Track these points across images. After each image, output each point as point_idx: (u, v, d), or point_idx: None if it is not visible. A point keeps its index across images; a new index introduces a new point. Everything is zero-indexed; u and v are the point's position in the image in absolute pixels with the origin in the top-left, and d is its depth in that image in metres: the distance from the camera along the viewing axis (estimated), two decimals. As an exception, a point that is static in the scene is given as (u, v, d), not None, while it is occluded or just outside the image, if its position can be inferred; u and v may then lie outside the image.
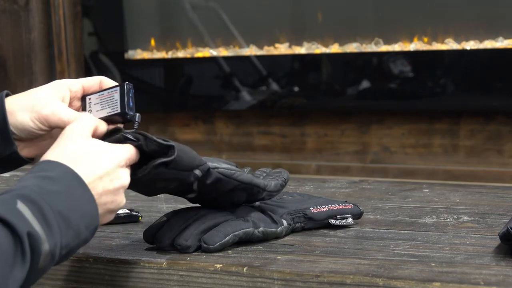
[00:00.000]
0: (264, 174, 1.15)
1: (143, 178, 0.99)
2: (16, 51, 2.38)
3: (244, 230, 1.05)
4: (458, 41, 1.97)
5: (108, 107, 1.05)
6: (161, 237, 1.05)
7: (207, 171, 1.03)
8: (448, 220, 1.19)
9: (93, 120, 0.99)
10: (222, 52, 2.20)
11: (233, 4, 2.24)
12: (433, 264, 0.94)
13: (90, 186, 0.89)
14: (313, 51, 2.10)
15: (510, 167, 1.95)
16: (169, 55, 2.26)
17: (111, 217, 0.95)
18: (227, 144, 2.23)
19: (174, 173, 1.00)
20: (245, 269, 0.96)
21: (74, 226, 0.85)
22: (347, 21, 2.10)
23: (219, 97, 2.23)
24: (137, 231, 1.17)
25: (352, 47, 2.06)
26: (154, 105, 2.32)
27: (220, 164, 1.05)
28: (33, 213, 0.82)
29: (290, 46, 2.14)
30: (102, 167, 0.92)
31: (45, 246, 0.82)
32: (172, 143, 0.99)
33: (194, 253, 1.03)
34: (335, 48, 2.08)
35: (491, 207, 1.28)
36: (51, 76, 2.40)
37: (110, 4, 2.32)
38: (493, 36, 1.94)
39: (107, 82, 1.08)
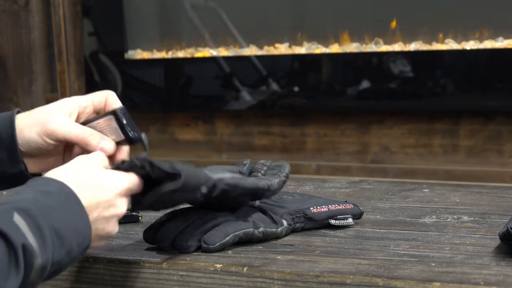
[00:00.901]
0: (265, 168, 1.15)
1: (150, 202, 0.99)
2: (16, 51, 2.38)
3: (244, 230, 1.05)
4: (458, 41, 1.97)
5: (112, 135, 1.04)
6: (161, 237, 1.05)
7: (213, 186, 1.02)
8: (448, 220, 1.19)
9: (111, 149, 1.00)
10: (222, 52, 2.20)
11: (233, 4, 2.24)
12: (433, 264, 0.94)
13: (86, 209, 0.89)
14: (313, 51, 2.10)
15: (510, 167, 1.95)
16: (169, 55, 2.26)
17: (100, 244, 0.95)
18: (227, 144, 2.23)
19: (180, 195, 1.00)
20: (245, 269, 0.96)
21: (67, 243, 0.86)
22: (347, 21, 2.10)
23: (219, 97, 2.23)
24: (137, 231, 1.17)
25: (352, 47, 2.06)
26: (154, 105, 2.32)
27: (224, 174, 1.05)
28: (29, 226, 0.82)
29: (290, 46, 2.14)
30: (101, 193, 0.92)
31: (38, 260, 0.82)
32: (178, 169, 0.98)
33: (194, 253, 1.03)
34: (335, 48, 2.08)
35: (491, 207, 1.28)
36: (51, 76, 2.40)
37: (110, 4, 2.32)
38: (493, 36, 1.94)
39: (113, 99, 1.06)
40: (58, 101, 1.05)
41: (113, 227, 0.94)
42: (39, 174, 1.07)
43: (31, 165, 1.05)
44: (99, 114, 1.06)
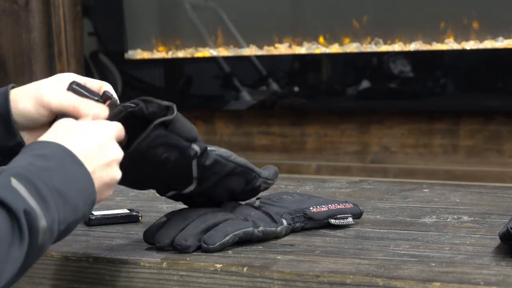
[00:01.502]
0: None
1: (142, 145, 0.99)
2: (16, 51, 2.38)
3: (244, 229, 1.05)
4: (458, 41, 1.97)
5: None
6: (161, 237, 1.05)
7: (205, 151, 1.04)
8: (448, 220, 1.19)
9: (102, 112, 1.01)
10: (222, 52, 2.20)
11: (233, 4, 2.24)
12: (433, 264, 0.94)
13: (83, 161, 0.89)
14: (313, 51, 2.10)
15: (510, 167, 1.95)
16: (169, 55, 2.26)
17: (109, 193, 0.95)
18: (227, 144, 2.23)
19: (174, 138, 1.01)
20: (245, 269, 0.96)
21: (71, 201, 0.85)
22: (347, 21, 2.10)
23: (219, 97, 2.23)
24: (137, 231, 1.17)
25: (352, 47, 2.06)
26: (154, 105, 2.32)
27: (217, 148, 1.08)
28: (28, 190, 0.81)
29: (290, 46, 2.14)
30: (94, 141, 0.92)
31: (43, 223, 0.81)
32: (171, 104, 1.01)
33: (194, 253, 1.03)
34: (335, 48, 2.08)
35: (491, 207, 1.28)
36: (51, 76, 2.40)
37: (110, 4, 2.32)
38: (493, 36, 1.94)
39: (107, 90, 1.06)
40: (53, 76, 1.06)
41: (116, 172, 0.94)
42: None
43: (27, 139, 1.06)
44: None
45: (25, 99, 1.03)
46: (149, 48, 2.29)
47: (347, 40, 2.08)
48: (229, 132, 2.23)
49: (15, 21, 2.38)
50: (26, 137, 1.06)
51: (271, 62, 2.16)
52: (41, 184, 0.83)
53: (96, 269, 1.04)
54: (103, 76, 2.32)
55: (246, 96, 2.18)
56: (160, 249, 1.05)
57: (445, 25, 1.98)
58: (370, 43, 2.05)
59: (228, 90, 2.21)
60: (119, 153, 0.95)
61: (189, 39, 2.26)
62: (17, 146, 1.04)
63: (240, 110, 2.20)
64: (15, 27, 2.38)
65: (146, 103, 1.00)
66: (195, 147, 1.03)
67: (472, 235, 1.09)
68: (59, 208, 0.84)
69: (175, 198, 1.10)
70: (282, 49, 2.15)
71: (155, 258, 1.02)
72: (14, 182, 0.81)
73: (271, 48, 2.16)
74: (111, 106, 1.02)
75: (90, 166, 0.90)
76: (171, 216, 1.08)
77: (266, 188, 1.14)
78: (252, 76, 2.17)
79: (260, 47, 2.17)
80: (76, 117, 1.01)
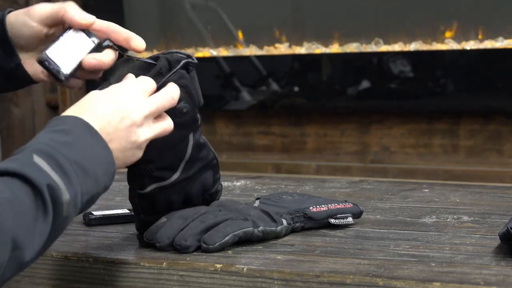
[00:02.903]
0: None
1: (169, 81, 1.02)
2: (16, 51, 2.38)
3: (244, 229, 1.05)
4: (458, 41, 1.97)
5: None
6: (161, 237, 1.05)
7: (201, 126, 1.09)
8: (448, 220, 1.19)
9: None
10: (222, 52, 2.20)
11: (233, 4, 2.24)
12: (433, 264, 0.94)
13: (101, 132, 0.90)
14: (313, 51, 2.10)
15: (510, 167, 1.95)
16: (169, 55, 2.26)
17: (137, 156, 0.96)
18: (227, 144, 2.23)
19: (192, 87, 1.05)
20: (245, 269, 0.96)
21: (92, 174, 0.87)
22: (347, 21, 2.10)
23: (219, 97, 2.23)
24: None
25: (352, 47, 2.06)
26: (154, 105, 2.32)
27: None
28: (50, 165, 0.83)
29: (290, 46, 2.14)
30: (112, 108, 0.93)
31: (66, 196, 0.83)
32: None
33: (194, 253, 1.03)
34: (335, 48, 2.08)
35: (491, 207, 1.28)
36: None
37: (110, 4, 2.32)
38: (493, 36, 1.94)
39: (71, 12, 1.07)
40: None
41: (139, 134, 0.95)
42: (35, 82, 1.10)
43: (27, 66, 1.07)
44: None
45: (19, 18, 1.05)
46: (149, 48, 2.29)
47: (347, 40, 2.08)
48: (229, 132, 2.23)
49: (15, 21, 2.37)
50: (25, 58, 1.07)
51: (271, 62, 2.16)
52: (62, 158, 0.85)
53: (96, 269, 1.04)
54: (103, 76, 2.32)
55: (246, 96, 2.18)
56: (160, 249, 1.05)
57: (445, 25, 1.98)
58: (370, 43, 2.05)
59: (228, 90, 2.21)
60: (136, 115, 0.95)
61: (189, 39, 2.26)
62: (17, 68, 1.07)
63: (240, 110, 2.20)
64: (15, 27, 2.37)
65: (168, 54, 1.04)
66: (184, 107, 1.06)
67: (472, 235, 1.09)
68: (80, 181, 0.86)
69: (151, 199, 1.09)
70: (282, 49, 2.15)
71: (155, 258, 1.02)
72: (36, 158, 0.83)
73: (271, 48, 2.16)
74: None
75: (108, 134, 0.91)
76: (171, 216, 1.08)
77: (217, 198, 1.15)
78: (252, 76, 2.17)
79: (260, 47, 2.17)
80: (66, 20, 1.04)
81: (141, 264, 1.01)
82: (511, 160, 1.96)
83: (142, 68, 1.04)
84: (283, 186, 1.53)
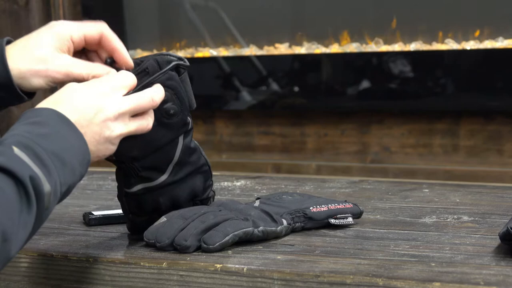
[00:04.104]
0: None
1: (156, 80, 1.02)
2: (16, 51, 2.38)
3: (244, 229, 1.05)
4: (458, 41, 1.97)
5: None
6: (161, 237, 1.05)
7: (191, 130, 1.08)
8: (448, 220, 1.19)
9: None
10: (222, 52, 2.20)
11: (233, 4, 2.24)
12: (433, 264, 0.94)
13: (76, 123, 0.91)
14: (313, 51, 2.10)
15: (510, 167, 1.95)
16: (169, 55, 2.26)
17: (109, 149, 0.97)
18: (227, 144, 2.23)
19: (182, 90, 1.05)
20: (245, 269, 0.96)
21: (69, 164, 0.88)
22: (347, 21, 2.10)
23: (219, 97, 2.23)
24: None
25: (352, 47, 2.06)
26: (154, 105, 2.32)
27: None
28: (30, 157, 0.84)
29: (290, 46, 2.14)
30: (87, 101, 0.94)
31: (47, 187, 0.84)
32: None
33: (194, 253, 1.03)
34: (335, 48, 2.08)
35: (491, 207, 1.28)
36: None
37: (110, 4, 2.32)
38: (493, 36, 1.94)
39: (108, 36, 1.06)
40: (49, 34, 1.04)
41: (112, 129, 0.95)
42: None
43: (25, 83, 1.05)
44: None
45: (32, 77, 1.03)
46: (149, 48, 2.29)
47: (347, 40, 2.08)
48: (229, 132, 2.23)
49: (15, 21, 2.38)
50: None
51: (271, 62, 2.16)
52: (40, 150, 0.85)
53: (96, 269, 1.04)
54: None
55: (246, 96, 2.18)
56: (160, 249, 1.05)
57: (445, 25, 1.98)
58: (370, 43, 2.05)
59: (228, 90, 2.21)
60: (119, 107, 0.96)
61: (189, 39, 2.26)
62: (23, 101, 1.06)
63: (240, 110, 2.20)
64: (15, 27, 2.38)
65: (158, 55, 1.04)
66: (189, 119, 1.06)
67: (472, 235, 1.09)
68: (59, 171, 0.86)
69: (138, 200, 1.09)
70: (282, 49, 2.15)
71: (155, 258, 1.02)
72: (17, 151, 0.84)
73: (271, 48, 2.16)
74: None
75: (82, 127, 0.92)
76: (171, 216, 1.08)
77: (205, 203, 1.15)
78: (252, 76, 2.17)
79: (260, 47, 2.17)
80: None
81: (141, 264, 1.01)
82: (511, 160, 1.96)
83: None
84: (283, 186, 1.53)
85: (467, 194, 1.40)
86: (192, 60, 2.24)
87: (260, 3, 2.21)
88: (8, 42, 1.06)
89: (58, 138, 0.88)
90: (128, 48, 2.30)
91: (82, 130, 0.92)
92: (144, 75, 1.03)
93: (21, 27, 2.38)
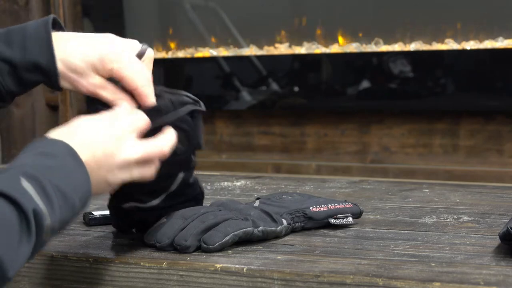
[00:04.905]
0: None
1: (169, 119, 1.01)
2: (16, 51, 2.38)
3: (244, 229, 1.05)
4: (458, 41, 1.97)
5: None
6: (161, 237, 1.05)
7: (194, 167, 1.07)
8: (448, 220, 1.19)
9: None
10: (222, 52, 2.20)
11: (233, 4, 2.24)
12: (433, 264, 0.94)
13: (85, 162, 0.91)
14: (313, 51, 2.10)
15: (510, 167, 1.95)
16: (169, 55, 2.26)
17: (107, 190, 0.96)
18: (227, 144, 2.23)
19: (194, 133, 1.03)
20: (245, 269, 0.96)
21: (70, 200, 0.88)
22: (347, 21, 2.10)
23: (219, 97, 2.23)
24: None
25: (352, 47, 2.06)
26: (154, 105, 2.32)
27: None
28: (36, 190, 0.84)
29: (290, 46, 2.14)
30: (97, 142, 0.93)
31: (48, 222, 0.84)
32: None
33: (194, 253, 1.03)
34: (335, 48, 2.08)
35: (491, 207, 1.28)
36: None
37: (110, 4, 2.32)
38: (493, 36, 1.94)
39: (130, 76, 1.07)
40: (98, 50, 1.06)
41: (115, 177, 0.95)
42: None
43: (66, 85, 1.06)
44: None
45: (61, 74, 1.03)
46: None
47: (347, 40, 2.08)
48: (229, 132, 2.23)
49: (15, 21, 2.37)
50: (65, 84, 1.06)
51: (271, 62, 2.16)
52: (47, 183, 0.85)
53: (96, 269, 1.04)
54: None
55: (246, 96, 2.18)
56: (160, 249, 1.05)
57: (445, 25, 1.98)
58: (370, 43, 2.05)
59: (228, 90, 2.21)
60: (129, 155, 0.95)
61: (189, 39, 2.26)
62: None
63: (240, 110, 2.20)
64: (15, 27, 2.37)
65: (173, 94, 1.03)
66: (194, 158, 1.05)
67: (472, 235, 1.09)
68: (61, 208, 0.86)
69: (126, 213, 1.09)
70: (282, 49, 2.15)
71: (155, 258, 1.02)
72: (24, 182, 0.84)
73: (271, 48, 2.16)
74: None
75: (90, 167, 0.91)
76: (171, 216, 1.08)
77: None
78: (252, 76, 2.17)
79: (260, 47, 2.17)
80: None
81: (141, 264, 1.01)
82: (511, 160, 1.96)
83: None
84: (283, 186, 1.53)
85: (467, 194, 1.40)
86: (192, 60, 2.24)
87: (260, 3, 2.21)
88: (54, 21, 1.06)
89: (65, 172, 0.88)
90: (128, 48, 2.30)
91: (89, 169, 0.91)
92: (157, 114, 1.02)
93: (21, 27, 2.38)
